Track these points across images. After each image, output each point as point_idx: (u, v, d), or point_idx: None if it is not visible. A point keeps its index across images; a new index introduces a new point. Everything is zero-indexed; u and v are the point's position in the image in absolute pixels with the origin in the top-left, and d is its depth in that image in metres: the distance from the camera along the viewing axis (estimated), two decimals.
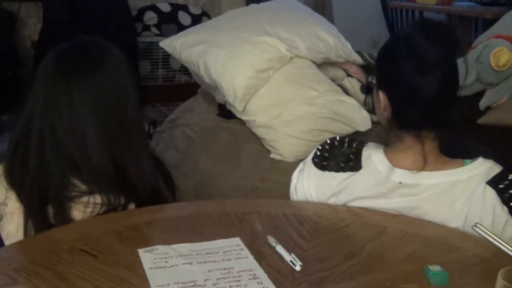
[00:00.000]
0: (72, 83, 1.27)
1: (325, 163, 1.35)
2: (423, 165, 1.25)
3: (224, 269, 1.05)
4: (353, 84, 2.33)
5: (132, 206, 1.31)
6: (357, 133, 2.12)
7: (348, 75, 2.37)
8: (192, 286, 1.00)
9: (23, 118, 1.29)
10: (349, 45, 2.35)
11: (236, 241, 1.15)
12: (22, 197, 1.27)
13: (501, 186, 1.20)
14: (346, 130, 2.09)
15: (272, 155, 2.11)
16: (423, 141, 1.25)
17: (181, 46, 2.33)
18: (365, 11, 5.23)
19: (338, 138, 1.37)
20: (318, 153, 1.37)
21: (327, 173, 1.34)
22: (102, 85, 1.29)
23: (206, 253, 1.10)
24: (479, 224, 1.03)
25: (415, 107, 1.25)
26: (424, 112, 1.24)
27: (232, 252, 1.11)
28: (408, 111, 1.27)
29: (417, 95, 1.23)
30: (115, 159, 1.28)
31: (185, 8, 4.44)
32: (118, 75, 1.32)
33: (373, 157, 1.31)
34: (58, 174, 1.27)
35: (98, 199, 1.27)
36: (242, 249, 1.12)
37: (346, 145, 1.35)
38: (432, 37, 1.23)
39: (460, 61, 1.29)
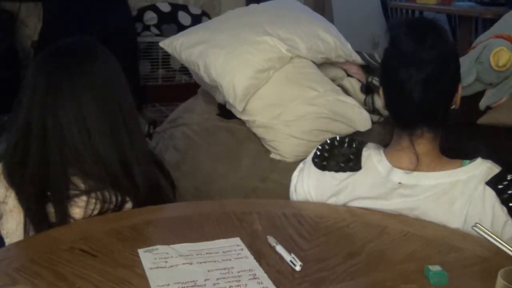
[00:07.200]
0: (72, 71, 1.30)
1: (325, 163, 1.35)
2: (417, 165, 1.25)
3: (224, 269, 1.05)
4: (353, 84, 2.33)
5: (129, 205, 1.31)
6: (357, 133, 2.12)
7: (348, 75, 2.37)
8: (192, 286, 1.00)
9: (22, 114, 1.30)
10: (349, 45, 2.35)
11: (236, 241, 1.15)
12: (21, 195, 1.27)
13: (500, 186, 1.20)
14: (346, 130, 2.09)
15: (272, 155, 2.11)
16: (416, 140, 1.25)
17: (181, 46, 2.33)
18: (365, 11, 5.23)
19: (338, 138, 1.37)
20: (318, 153, 1.37)
21: (327, 173, 1.34)
22: (100, 72, 1.32)
23: (206, 253, 1.10)
24: (479, 224, 1.03)
25: (403, 105, 1.25)
26: (412, 110, 1.25)
27: (232, 252, 1.11)
28: (396, 109, 1.28)
29: (403, 94, 1.24)
30: (115, 144, 1.30)
31: (185, 8, 4.45)
32: (112, 64, 1.36)
33: (373, 157, 1.31)
34: (59, 169, 1.27)
35: (96, 197, 1.27)
36: (242, 249, 1.12)
37: (346, 145, 1.35)
38: (416, 37, 1.24)
39: (461, 60, 1.30)
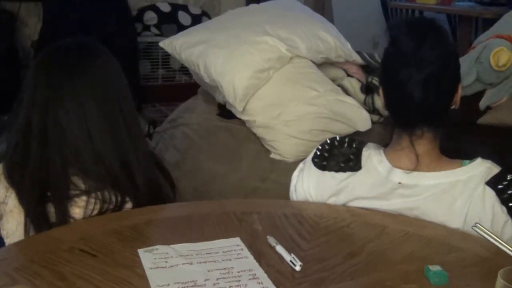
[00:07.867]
0: (72, 71, 1.30)
1: (325, 163, 1.35)
2: (417, 165, 1.25)
3: (224, 269, 1.05)
4: (353, 84, 2.33)
5: (128, 206, 1.31)
6: (357, 133, 2.12)
7: (348, 75, 2.37)
8: (192, 286, 1.00)
9: (22, 114, 1.30)
10: (349, 45, 2.35)
11: (236, 241, 1.15)
12: (21, 196, 1.27)
13: (500, 186, 1.20)
14: (346, 130, 2.09)
15: (272, 155, 2.11)
16: (416, 140, 1.25)
17: (181, 46, 2.33)
18: (365, 11, 5.24)
19: (338, 138, 1.37)
20: (318, 153, 1.37)
21: (327, 173, 1.34)
22: (100, 72, 1.32)
23: (206, 253, 1.10)
24: (479, 224, 1.03)
25: (403, 105, 1.25)
26: (412, 110, 1.25)
27: (232, 252, 1.11)
28: (396, 109, 1.28)
29: (403, 94, 1.24)
30: (115, 144, 1.30)
31: (185, 8, 4.45)
32: (112, 64, 1.36)
33: (373, 157, 1.31)
34: (60, 169, 1.27)
35: (96, 197, 1.27)
36: (242, 249, 1.12)
37: (346, 145, 1.35)
38: (416, 37, 1.24)
39: (461, 60, 1.30)
